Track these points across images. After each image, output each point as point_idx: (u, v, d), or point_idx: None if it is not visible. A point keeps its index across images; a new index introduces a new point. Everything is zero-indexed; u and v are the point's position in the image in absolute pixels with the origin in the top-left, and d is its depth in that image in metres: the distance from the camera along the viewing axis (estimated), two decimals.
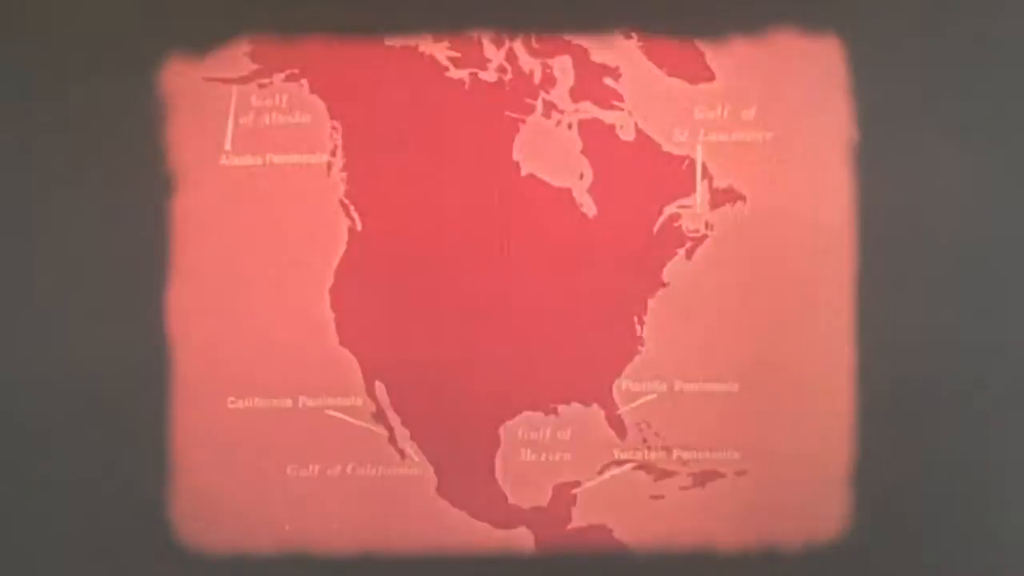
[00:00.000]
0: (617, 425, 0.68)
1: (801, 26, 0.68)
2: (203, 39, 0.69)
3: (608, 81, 0.69)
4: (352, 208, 0.69)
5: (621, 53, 0.69)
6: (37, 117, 0.69)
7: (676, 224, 0.69)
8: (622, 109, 0.69)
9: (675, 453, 0.68)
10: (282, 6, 0.69)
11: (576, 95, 0.69)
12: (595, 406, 0.68)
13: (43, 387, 0.68)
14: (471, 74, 0.69)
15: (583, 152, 0.69)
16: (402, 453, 0.69)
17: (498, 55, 0.69)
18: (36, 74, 0.69)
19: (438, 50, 0.69)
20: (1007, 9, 0.68)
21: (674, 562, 0.67)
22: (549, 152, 0.69)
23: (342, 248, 0.69)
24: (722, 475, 0.68)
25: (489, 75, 0.69)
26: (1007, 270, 0.68)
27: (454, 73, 0.69)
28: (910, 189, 0.68)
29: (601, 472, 0.69)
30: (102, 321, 0.68)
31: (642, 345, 0.68)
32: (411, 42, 0.69)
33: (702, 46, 0.69)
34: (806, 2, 0.68)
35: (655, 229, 0.68)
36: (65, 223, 0.69)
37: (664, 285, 0.68)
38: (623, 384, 0.68)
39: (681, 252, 0.68)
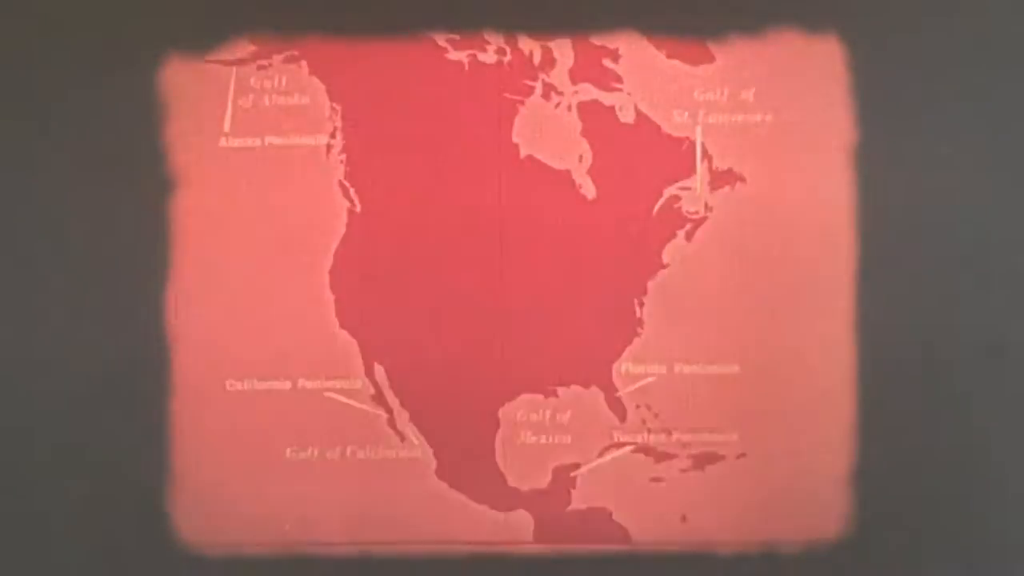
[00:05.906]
0: (617, 407, 0.68)
1: (801, 26, 0.68)
2: (202, 39, 0.69)
3: (608, 63, 0.69)
4: (352, 190, 0.69)
5: (620, 35, 0.69)
6: (38, 114, 0.69)
7: (676, 206, 0.68)
8: (622, 91, 0.69)
9: (675, 435, 0.68)
10: (282, 8, 0.69)
11: (575, 77, 0.69)
12: (595, 388, 0.68)
13: (43, 376, 0.68)
14: (470, 56, 0.69)
15: (583, 134, 0.69)
16: (401, 435, 0.69)
17: (497, 37, 0.69)
18: (36, 73, 0.69)
19: (437, 32, 0.69)
20: (1007, 9, 0.68)
21: (674, 561, 0.68)
22: (549, 134, 0.69)
23: (342, 230, 0.69)
24: (722, 457, 0.68)
25: (488, 57, 0.69)
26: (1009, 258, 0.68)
27: (453, 55, 0.69)
28: (909, 185, 0.67)
29: (601, 454, 0.68)
30: (103, 306, 0.68)
31: (642, 327, 0.68)
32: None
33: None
34: (806, 2, 0.68)
35: (655, 211, 0.68)
36: (68, 215, 0.69)
37: (664, 267, 0.68)
38: (623, 366, 0.68)
39: (681, 234, 0.68)
